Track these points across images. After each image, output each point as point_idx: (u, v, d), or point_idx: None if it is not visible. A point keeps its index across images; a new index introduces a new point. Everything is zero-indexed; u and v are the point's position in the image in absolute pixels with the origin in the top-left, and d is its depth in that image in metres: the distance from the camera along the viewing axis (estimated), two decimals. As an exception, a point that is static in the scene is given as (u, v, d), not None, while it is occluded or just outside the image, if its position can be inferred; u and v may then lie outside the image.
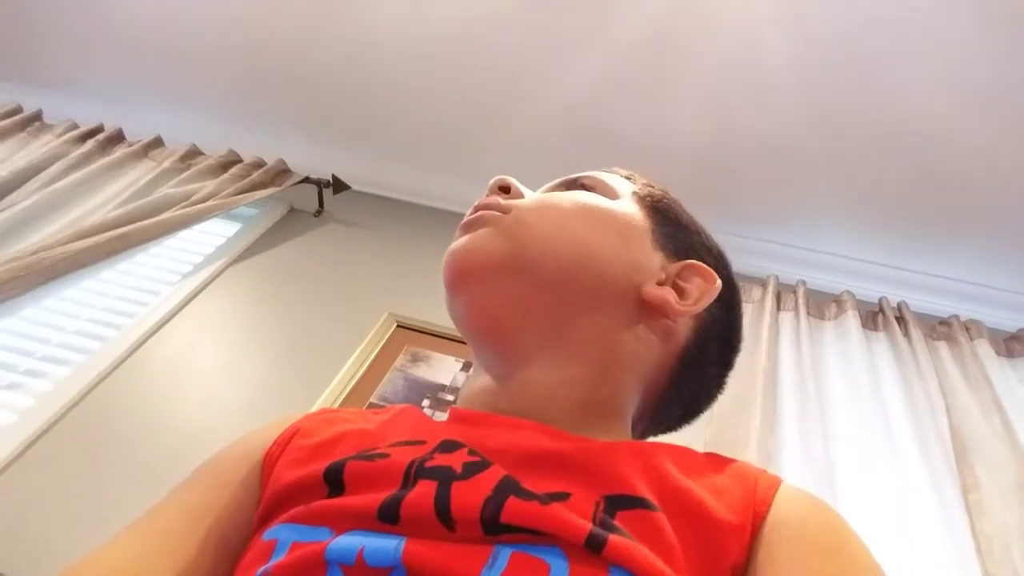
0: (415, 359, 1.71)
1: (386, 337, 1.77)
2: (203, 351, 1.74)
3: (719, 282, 0.53)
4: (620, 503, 0.38)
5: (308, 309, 1.87)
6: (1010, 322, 1.96)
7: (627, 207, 0.55)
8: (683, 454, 0.45)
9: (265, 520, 0.43)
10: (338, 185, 2.18)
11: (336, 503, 0.40)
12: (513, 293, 0.50)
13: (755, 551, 0.38)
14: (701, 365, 0.55)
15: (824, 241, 2.11)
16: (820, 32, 1.65)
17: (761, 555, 0.37)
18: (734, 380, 1.56)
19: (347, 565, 0.36)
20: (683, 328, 0.53)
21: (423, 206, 2.32)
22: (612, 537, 0.35)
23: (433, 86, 2.06)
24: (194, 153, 2.21)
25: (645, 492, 0.39)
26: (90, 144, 2.12)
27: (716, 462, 0.45)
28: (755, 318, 1.85)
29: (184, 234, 2.02)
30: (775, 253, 2.15)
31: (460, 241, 0.53)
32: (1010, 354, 1.84)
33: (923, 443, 1.53)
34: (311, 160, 2.30)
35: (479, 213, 0.54)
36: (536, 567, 0.34)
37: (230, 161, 2.19)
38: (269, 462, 0.47)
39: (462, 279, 0.52)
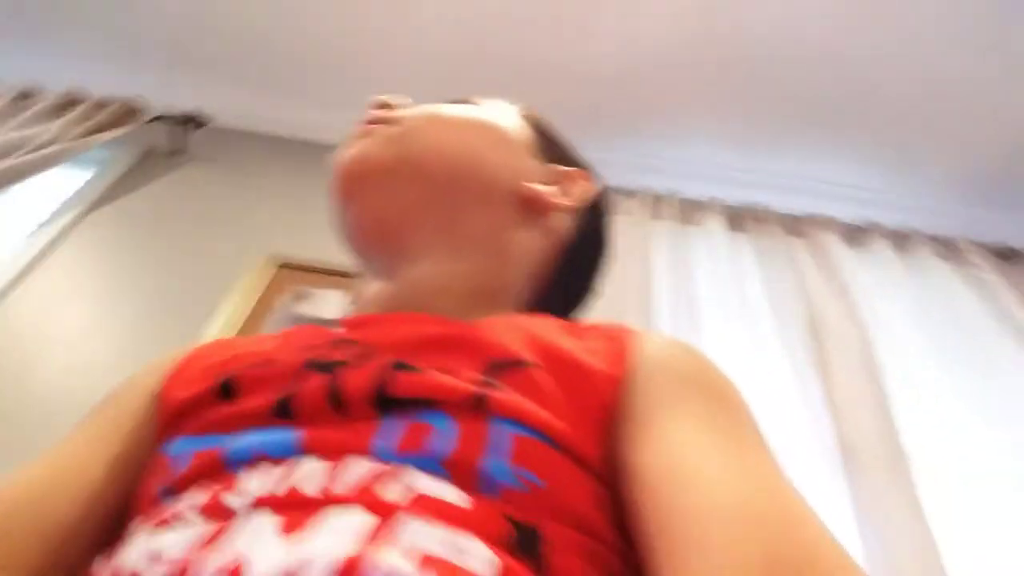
0: (300, 297, 1.68)
1: (267, 278, 1.72)
2: (66, 307, 1.63)
3: (593, 187, 0.59)
4: (500, 366, 0.40)
5: (179, 255, 1.78)
6: (856, 215, 2.14)
7: (510, 120, 0.59)
8: (557, 322, 0.48)
9: (160, 439, 0.43)
10: (197, 121, 2.05)
11: (231, 409, 0.41)
12: (403, 196, 0.52)
13: (628, 392, 0.41)
14: (579, 260, 0.60)
15: (694, 150, 2.20)
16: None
17: (633, 393, 0.40)
18: (611, 286, 1.62)
19: (247, 463, 0.36)
20: (561, 227, 0.58)
21: (294, 139, 2.21)
22: (493, 393, 0.37)
23: (304, 4, 1.93)
24: (28, 93, 2.01)
25: (523, 354, 0.41)
26: (-100, 89, 1.88)
27: (588, 327, 0.48)
28: (629, 228, 1.94)
29: (30, 183, 1.85)
30: (648, 166, 2.23)
31: (349, 150, 0.54)
32: (855, 245, 2.03)
33: (782, 329, 1.69)
34: (165, 95, 2.14)
35: (367, 126, 0.55)
36: (424, 430, 0.36)
37: (72, 100, 2.01)
38: (166, 387, 0.47)
39: (353, 185, 0.53)
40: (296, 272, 1.74)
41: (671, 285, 1.78)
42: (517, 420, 0.36)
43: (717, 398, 0.40)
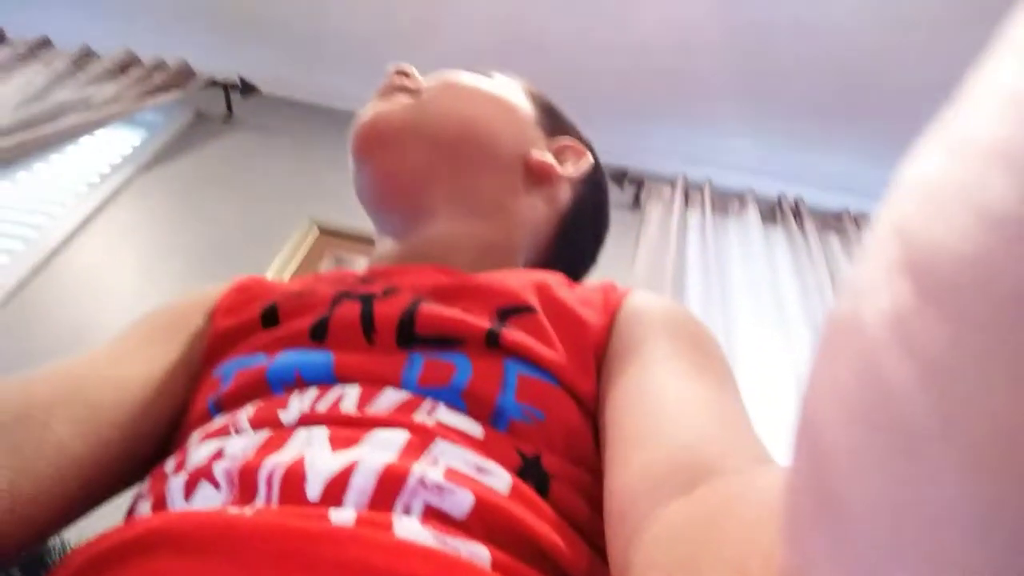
0: (340, 263, 1.73)
1: (309, 242, 1.77)
2: (118, 263, 1.70)
3: (591, 158, 0.63)
4: (510, 311, 0.45)
5: (225, 218, 1.84)
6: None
7: (517, 94, 0.63)
8: (561, 278, 0.52)
9: (210, 361, 0.48)
10: (247, 88, 2.10)
11: (272, 332, 0.46)
12: (416, 157, 0.56)
13: (614, 335, 0.46)
14: (578, 229, 0.64)
15: (730, 140, 2.21)
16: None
17: (618, 336, 0.45)
18: (647, 272, 1.64)
19: (287, 383, 0.41)
20: (563, 196, 0.62)
21: (338, 109, 2.26)
22: (505, 331, 0.42)
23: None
24: (87, 54, 2.08)
25: (530, 300, 0.46)
26: (-33, 45, 1.96)
27: (590, 285, 0.53)
28: (664, 215, 1.95)
29: (85, 141, 1.93)
30: (684, 153, 2.24)
31: (366, 111, 0.58)
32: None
33: (812, 323, 1.69)
34: (216, 62, 2.20)
35: (386, 91, 0.59)
36: (445, 367, 0.41)
37: (128, 63, 2.08)
38: (213, 313, 0.51)
39: (368, 146, 0.56)
40: (335, 239, 1.79)
41: (704, 273, 1.79)
42: (524, 358, 0.41)
43: (694, 341, 0.44)
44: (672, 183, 2.07)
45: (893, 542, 0.10)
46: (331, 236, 1.80)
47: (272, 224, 1.81)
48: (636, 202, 2.06)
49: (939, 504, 0.09)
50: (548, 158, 0.60)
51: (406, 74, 0.61)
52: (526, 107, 0.62)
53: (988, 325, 0.09)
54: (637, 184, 2.07)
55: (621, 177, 2.07)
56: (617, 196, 2.02)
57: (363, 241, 1.77)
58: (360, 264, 1.72)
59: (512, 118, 0.60)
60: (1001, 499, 0.09)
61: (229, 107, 2.14)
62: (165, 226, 1.81)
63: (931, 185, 0.10)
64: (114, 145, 2.01)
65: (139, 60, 2.09)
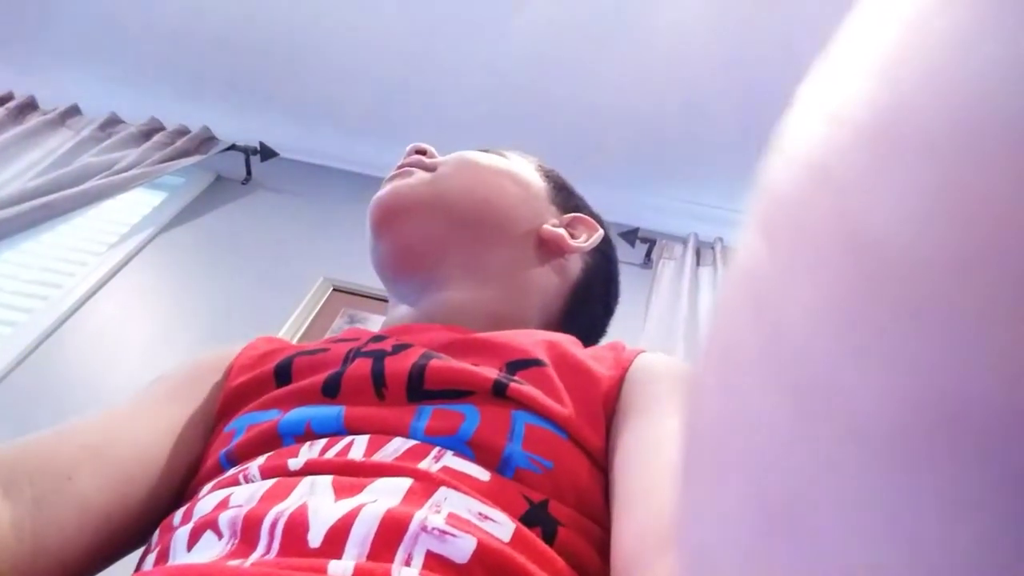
0: (353, 321, 1.74)
1: (322, 301, 1.79)
2: (136, 322, 1.72)
3: (601, 230, 0.65)
4: (519, 365, 0.46)
5: (241, 277, 1.87)
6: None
7: (530, 171, 0.66)
8: (569, 338, 0.53)
9: (223, 417, 0.48)
10: (265, 152, 2.16)
11: (285, 389, 0.47)
12: (432, 229, 0.58)
13: (623, 391, 0.47)
14: (589, 300, 0.66)
15: (742, 200, 2.23)
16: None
17: (628, 392, 0.46)
18: (659, 329, 1.64)
19: (298, 435, 0.42)
20: (573, 267, 0.64)
21: (351, 172, 2.32)
22: (513, 383, 0.43)
23: (356, 49, 2.05)
24: (114, 121, 2.15)
25: (538, 355, 0.47)
26: (0, 113, 2.04)
27: (597, 345, 0.55)
28: (676, 274, 1.96)
29: (108, 204, 1.97)
30: (696, 213, 2.26)
31: (384, 188, 0.61)
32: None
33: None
34: (236, 128, 2.27)
35: (403, 168, 0.62)
36: (453, 416, 0.42)
37: (152, 129, 2.15)
38: (227, 371, 0.52)
39: (386, 218, 0.59)
40: (348, 296, 1.81)
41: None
42: (532, 409, 0.42)
43: None
44: (684, 241, 2.09)
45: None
46: (344, 294, 1.82)
47: (287, 283, 1.83)
48: (647, 260, 2.08)
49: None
50: (560, 231, 0.61)
51: (423, 152, 0.63)
52: (539, 184, 0.65)
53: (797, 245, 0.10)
54: (649, 243, 2.09)
55: (632, 236, 2.09)
56: (629, 254, 2.03)
57: (375, 299, 1.79)
58: (373, 322, 1.73)
59: (526, 195, 0.62)
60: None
61: (248, 170, 2.19)
62: (181, 286, 1.84)
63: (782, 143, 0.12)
64: (135, 207, 2.06)
65: (163, 126, 2.16)
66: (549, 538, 0.36)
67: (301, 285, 1.82)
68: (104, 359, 1.61)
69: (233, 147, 2.16)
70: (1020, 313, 0.07)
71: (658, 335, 1.72)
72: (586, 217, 0.65)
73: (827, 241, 0.09)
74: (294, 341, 1.65)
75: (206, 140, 2.17)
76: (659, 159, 2.16)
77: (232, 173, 2.20)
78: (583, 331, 0.66)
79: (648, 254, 2.09)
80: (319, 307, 1.77)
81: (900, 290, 0.08)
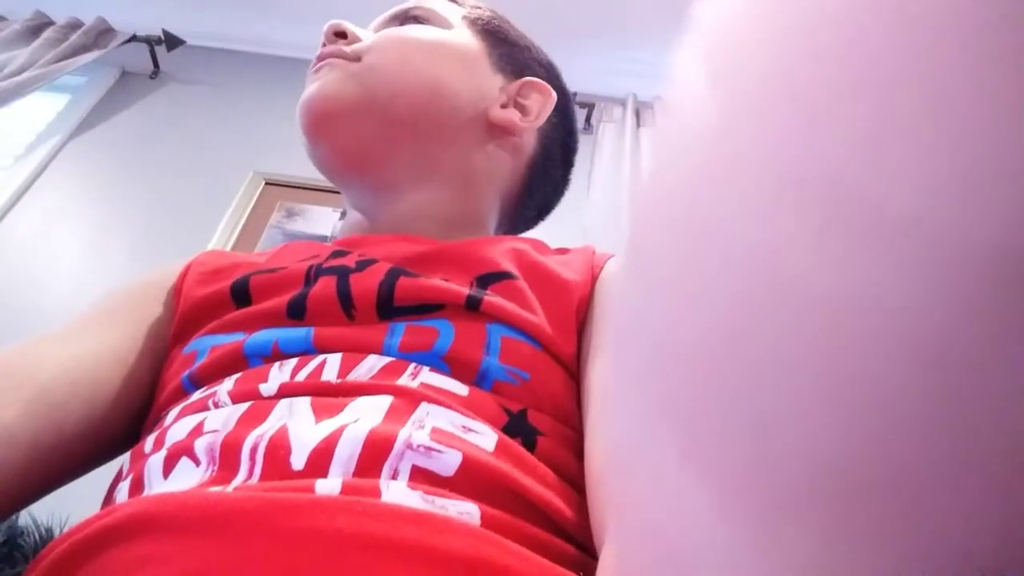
0: (290, 214, 1.69)
1: (256, 196, 1.72)
2: (59, 235, 1.64)
3: (555, 94, 0.59)
4: (489, 278, 0.45)
5: (165, 179, 1.78)
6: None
7: (462, 35, 0.58)
8: (536, 242, 0.52)
9: (179, 339, 0.46)
10: (171, 40, 2.00)
11: (247, 311, 0.44)
12: (371, 132, 0.53)
13: (593, 299, 0.46)
14: (548, 170, 0.62)
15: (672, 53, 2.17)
16: None
17: (596, 302, 0.46)
18: (603, 194, 1.64)
19: (265, 355, 0.40)
20: (528, 141, 0.59)
21: (267, 55, 2.16)
22: (486, 297, 0.42)
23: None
24: (-7, 18, 1.95)
25: (508, 267, 0.46)
26: None
27: (564, 249, 0.53)
28: (617, 135, 1.93)
29: (4, 112, 1.82)
30: (633, 71, 2.20)
31: (311, 88, 0.54)
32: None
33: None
34: (135, 16, 2.07)
35: (326, 60, 0.55)
36: (427, 332, 0.40)
37: (39, 24, 1.95)
38: (176, 288, 0.49)
39: (320, 125, 0.54)
40: (282, 189, 1.74)
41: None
42: (506, 322, 0.41)
43: None
44: (623, 103, 2.05)
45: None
46: (278, 187, 1.75)
47: (216, 180, 1.75)
48: (587, 125, 2.04)
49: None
50: (510, 114, 0.56)
51: (344, 34, 0.56)
52: (475, 48, 0.58)
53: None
54: (588, 107, 2.05)
55: (570, 101, 2.04)
56: (568, 120, 1.99)
57: (313, 190, 1.72)
58: (314, 213, 1.68)
59: (466, 72, 0.56)
60: None
61: (156, 62, 2.03)
62: (103, 196, 1.74)
63: None
64: (38, 113, 1.90)
65: (51, 20, 1.96)
66: (530, 447, 0.36)
67: (231, 182, 1.74)
68: (31, 278, 1.54)
69: (134, 38, 1.99)
70: None
71: (603, 199, 1.71)
72: (535, 80, 0.59)
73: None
74: (232, 239, 1.60)
75: (103, 32, 1.99)
76: (584, 15, 2.07)
77: (138, 67, 2.04)
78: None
79: (588, 118, 2.04)
80: (253, 203, 1.71)
81: None
